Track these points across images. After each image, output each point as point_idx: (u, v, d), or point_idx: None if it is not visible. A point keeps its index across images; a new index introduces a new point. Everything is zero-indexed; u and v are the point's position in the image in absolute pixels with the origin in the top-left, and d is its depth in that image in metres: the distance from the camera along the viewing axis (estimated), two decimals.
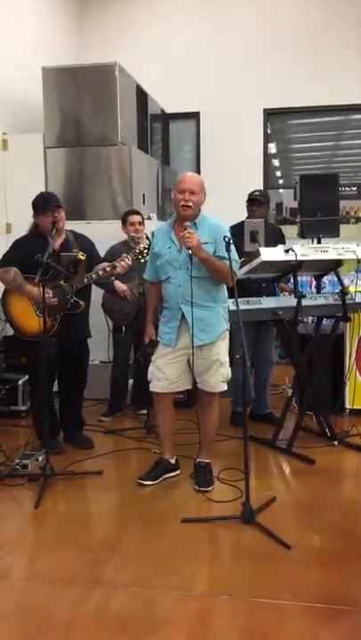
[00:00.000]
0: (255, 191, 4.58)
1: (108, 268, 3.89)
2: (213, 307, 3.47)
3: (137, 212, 4.86)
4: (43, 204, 3.90)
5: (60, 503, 3.46)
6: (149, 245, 3.88)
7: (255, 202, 4.47)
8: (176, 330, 3.47)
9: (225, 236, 3.31)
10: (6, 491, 3.54)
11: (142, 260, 3.95)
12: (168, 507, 3.35)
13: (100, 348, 4.92)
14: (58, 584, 2.60)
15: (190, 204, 3.36)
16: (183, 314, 3.43)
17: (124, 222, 4.79)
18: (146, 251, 3.93)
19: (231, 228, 3.71)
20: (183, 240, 3.27)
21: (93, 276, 3.90)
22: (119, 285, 4.61)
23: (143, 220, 4.84)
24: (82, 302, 3.91)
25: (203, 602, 2.47)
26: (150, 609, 2.44)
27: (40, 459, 3.83)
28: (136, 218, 4.77)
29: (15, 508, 3.39)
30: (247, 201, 4.52)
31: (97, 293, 4.60)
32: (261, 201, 4.48)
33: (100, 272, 3.90)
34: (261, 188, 7.22)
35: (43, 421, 3.70)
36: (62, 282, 3.83)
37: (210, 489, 3.51)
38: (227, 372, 3.55)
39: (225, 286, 3.54)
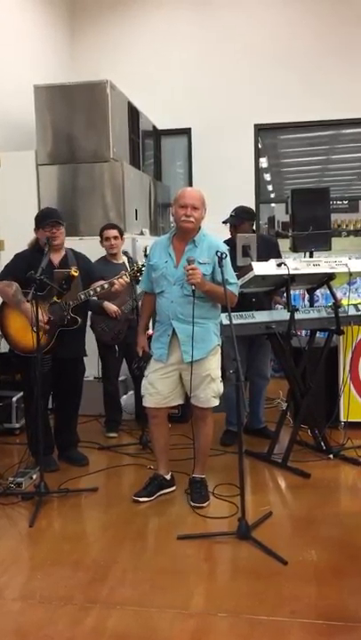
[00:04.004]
0: (232, 211, 4.53)
1: (106, 285, 3.90)
2: (204, 323, 3.45)
3: (113, 227, 4.81)
4: (42, 218, 3.92)
5: (56, 521, 3.44)
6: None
7: (230, 224, 4.47)
8: (167, 345, 3.47)
9: (217, 251, 3.32)
10: (0, 509, 3.51)
11: (140, 278, 3.95)
12: (164, 523, 3.33)
13: (90, 364, 4.82)
14: (54, 604, 2.57)
15: (192, 219, 3.38)
16: (174, 329, 3.44)
17: (101, 237, 4.78)
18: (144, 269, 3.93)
19: (223, 242, 3.72)
20: (186, 275, 3.28)
21: (91, 292, 3.91)
22: (109, 306, 4.54)
23: (121, 233, 4.80)
24: (79, 318, 3.92)
25: (200, 620, 2.45)
26: (148, 628, 2.42)
27: (34, 477, 3.81)
28: (111, 232, 4.72)
29: (10, 527, 3.35)
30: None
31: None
32: (233, 222, 4.45)
33: (98, 289, 3.91)
34: (253, 201, 7.30)
35: (37, 439, 3.69)
36: (55, 298, 3.84)
37: (205, 505, 3.49)
38: (218, 387, 3.54)
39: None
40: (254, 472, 4.01)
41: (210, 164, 7.48)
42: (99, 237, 4.81)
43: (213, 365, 3.52)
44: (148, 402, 3.57)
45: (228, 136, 7.45)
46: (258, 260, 3.98)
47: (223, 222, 4.47)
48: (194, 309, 3.33)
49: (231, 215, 4.49)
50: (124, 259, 4.72)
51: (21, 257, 3.99)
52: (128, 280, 3.93)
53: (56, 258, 3.95)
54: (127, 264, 4.58)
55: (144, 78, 7.27)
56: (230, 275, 3.44)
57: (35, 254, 3.92)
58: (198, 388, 3.48)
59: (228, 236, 4.41)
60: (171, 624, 2.43)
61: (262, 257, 4.04)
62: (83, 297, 3.90)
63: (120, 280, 3.89)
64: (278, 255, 4.49)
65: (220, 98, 7.48)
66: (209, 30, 7.52)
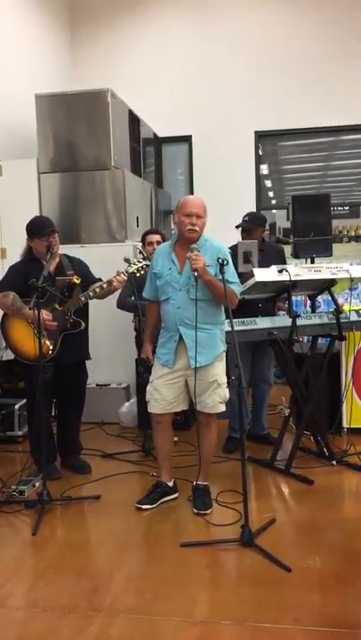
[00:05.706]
0: (245, 216, 4.56)
1: (104, 285, 3.91)
2: (210, 328, 3.47)
3: (156, 232, 4.91)
4: (38, 228, 3.92)
5: (59, 529, 3.43)
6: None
7: (243, 229, 4.48)
8: (174, 351, 3.47)
9: (218, 257, 3.34)
10: (3, 517, 3.51)
11: (137, 275, 3.96)
12: (167, 531, 3.32)
13: (92, 369, 4.61)
14: (57, 612, 2.57)
15: (197, 227, 3.40)
16: (181, 335, 3.44)
17: (143, 242, 4.83)
18: (141, 265, 3.93)
19: (229, 248, 3.72)
20: (189, 262, 3.30)
21: (91, 294, 3.91)
22: None
23: (164, 238, 4.82)
24: (82, 321, 3.92)
25: (204, 628, 2.44)
26: (151, 636, 2.42)
27: (37, 484, 3.80)
28: (154, 237, 4.79)
29: (13, 535, 3.35)
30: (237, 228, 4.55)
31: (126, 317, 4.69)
32: (247, 228, 4.46)
33: (97, 289, 3.92)
34: (254, 208, 7.30)
35: (40, 446, 3.69)
36: (57, 306, 3.85)
37: (208, 512, 3.48)
38: (224, 392, 3.55)
39: (223, 308, 3.55)
40: (257, 479, 4.00)
41: (210, 171, 7.50)
42: (140, 242, 4.90)
43: (220, 371, 3.52)
44: (152, 407, 3.57)
45: (229, 143, 7.46)
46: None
47: (236, 227, 4.48)
48: (197, 314, 3.33)
49: (244, 220, 4.50)
50: (140, 257, 4.72)
51: (16, 268, 4.00)
52: (125, 277, 3.93)
53: (51, 265, 3.96)
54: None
55: (144, 85, 7.29)
56: (232, 276, 3.46)
57: (30, 263, 3.93)
58: (205, 394, 3.48)
59: (223, 242, 4.41)
60: (175, 632, 2.42)
61: (272, 264, 4.02)
62: (83, 299, 3.91)
63: (118, 277, 3.89)
64: (284, 262, 4.51)
65: (220, 104, 7.49)
66: (209, 38, 7.55)
